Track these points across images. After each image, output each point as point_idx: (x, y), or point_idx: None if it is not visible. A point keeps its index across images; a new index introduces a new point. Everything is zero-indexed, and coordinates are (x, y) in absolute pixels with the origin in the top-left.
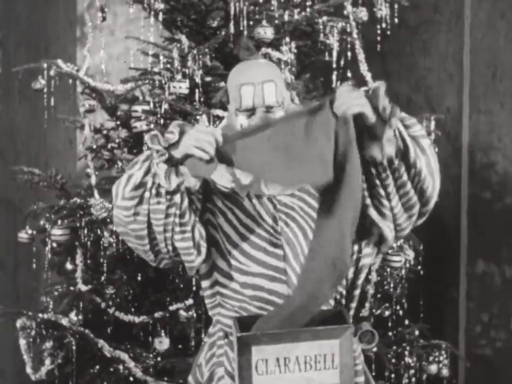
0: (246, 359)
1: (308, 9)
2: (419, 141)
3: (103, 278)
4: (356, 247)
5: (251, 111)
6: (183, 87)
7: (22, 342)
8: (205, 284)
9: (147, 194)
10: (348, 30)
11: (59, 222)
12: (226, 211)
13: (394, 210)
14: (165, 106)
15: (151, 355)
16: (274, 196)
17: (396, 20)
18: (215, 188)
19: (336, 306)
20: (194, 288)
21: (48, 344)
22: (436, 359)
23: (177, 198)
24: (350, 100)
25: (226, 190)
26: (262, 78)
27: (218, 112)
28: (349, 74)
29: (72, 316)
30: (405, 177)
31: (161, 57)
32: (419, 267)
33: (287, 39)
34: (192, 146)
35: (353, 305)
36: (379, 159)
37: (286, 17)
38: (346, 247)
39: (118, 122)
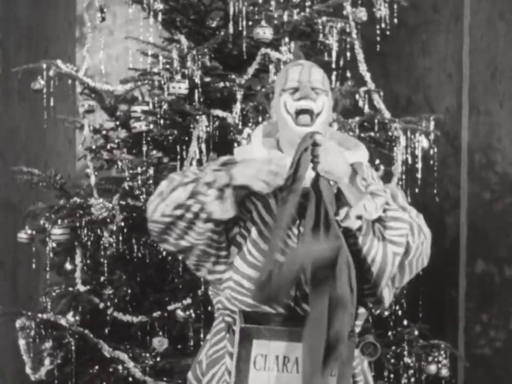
0: (245, 351)
1: (307, 10)
2: (386, 245)
3: (102, 278)
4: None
5: (296, 89)
6: (182, 87)
7: (22, 342)
8: (219, 268)
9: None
10: (347, 30)
11: (59, 221)
12: (252, 209)
13: None
14: (164, 106)
15: (150, 355)
16: None
17: (395, 20)
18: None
19: None
20: (192, 288)
21: (48, 344)
22: (435, 359)
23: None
24: (334, 166)
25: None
26: (311, 63)
27: (218, 112)
28: (348, 74)
29: (69, 316)
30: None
31: (160, 58)
32: None
33: (286, 39)
34: (255, 178)
35: (358, 323)
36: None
37: (285, 18)
38: None
39: (118, 123)
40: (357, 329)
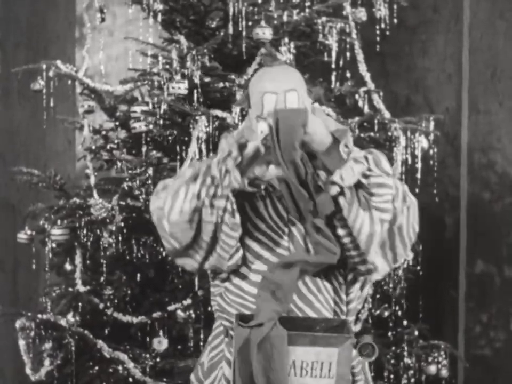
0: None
1: (307, 10)
2: (373, 212)
3: (102, 279)
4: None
5: None
6: (182, 87)
7: (22, 343)
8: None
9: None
10: (347, 30)
11: (58, 222)
12: (239, 210)
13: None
14: (164, 107)
15: (150, 356)
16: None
17: (395, 20)
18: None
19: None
20: (193, 288)
21: (48, 345)
22: (435, 360)
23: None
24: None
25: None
26: (284, 87)
27: (218, 112)
28: (348, 74)
29: (70, 317)
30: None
31: (160, 58)
32: (418, 267)
33: (286, 40)
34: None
35: (351, 318)
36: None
37: (285, 18)
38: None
39: (117, 123)
40: (353, 327)
